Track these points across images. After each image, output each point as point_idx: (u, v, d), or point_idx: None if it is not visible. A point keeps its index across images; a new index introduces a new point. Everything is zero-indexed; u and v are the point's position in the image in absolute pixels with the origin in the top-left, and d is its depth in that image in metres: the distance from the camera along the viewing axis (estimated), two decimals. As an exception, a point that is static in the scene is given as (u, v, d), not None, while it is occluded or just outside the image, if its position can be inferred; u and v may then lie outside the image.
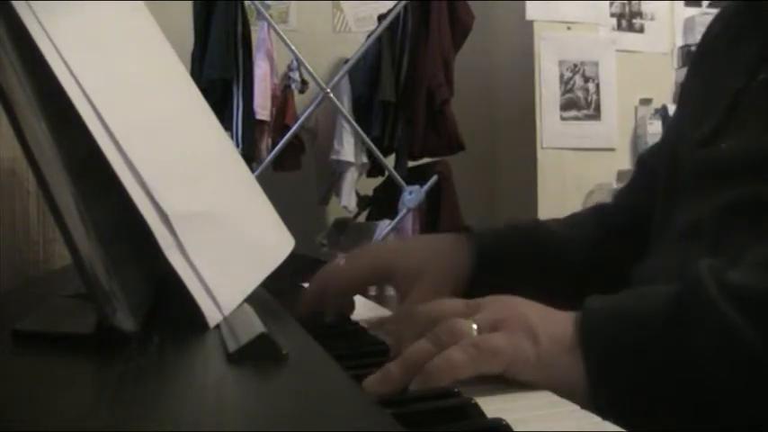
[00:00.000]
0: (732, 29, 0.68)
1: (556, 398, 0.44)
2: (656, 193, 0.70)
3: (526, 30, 3.18)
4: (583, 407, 0.41)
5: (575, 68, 3.22)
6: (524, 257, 0.72)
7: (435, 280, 0.67)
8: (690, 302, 0.43)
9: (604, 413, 0.40)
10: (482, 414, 0.38)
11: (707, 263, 0.45)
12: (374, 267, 0.70)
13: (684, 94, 0.76)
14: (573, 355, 0.45)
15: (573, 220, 0.80)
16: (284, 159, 2.82)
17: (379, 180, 3.07)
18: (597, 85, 3.24)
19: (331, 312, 0.67)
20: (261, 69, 2.71)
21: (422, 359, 0.44)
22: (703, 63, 0.72)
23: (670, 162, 0.69)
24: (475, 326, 0.46)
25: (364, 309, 0.71)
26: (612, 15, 3.31)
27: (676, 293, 0.45)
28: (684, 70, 3.17)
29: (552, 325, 0.46)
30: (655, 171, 0.73)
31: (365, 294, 0.75)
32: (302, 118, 2.71)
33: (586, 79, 3.23)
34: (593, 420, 0.39)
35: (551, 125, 3.19)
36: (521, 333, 0.46)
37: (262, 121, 2.70)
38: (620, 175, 3.22)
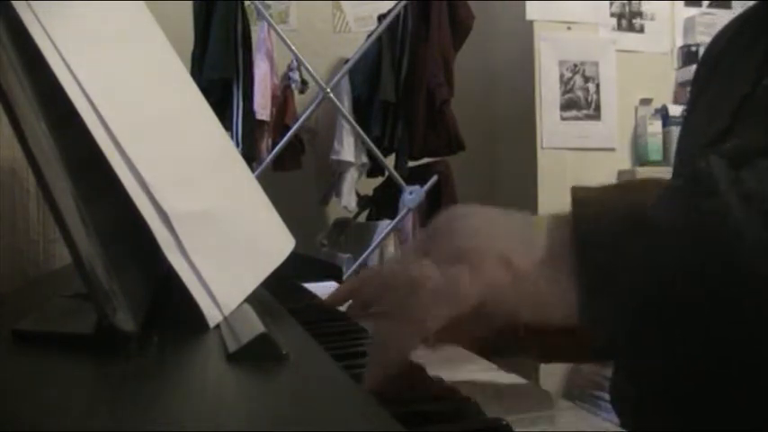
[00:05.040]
0: (740, 39, 0.68)
1: (556, 398, 0.44)
2: None
3: (526, 30, 3.18)
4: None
5: (575, 68, 3.22)
6: None
7: None
8: (706, 210, 0.38)
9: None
10: (482, 414, 0.38)
11: (721, 165, 0.40)
12: None
13: (691, 108, 0.76)
14: (555, 269, 0.41)
15: None
16: (284, 159, 2.81)
17: (379, 180, 3.06)
18: (597, 85, 3.24)
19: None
20: (261, 69, 2.70)
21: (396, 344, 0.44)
22: (711, 75, 0.72)
23: (677, 169, 0.69)
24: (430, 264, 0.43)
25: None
26: (612, 15, 3.31)
27: (689, 197, 0.39)
28: (684, 70, 3.17)
29: (525, 244, 0.43)
30: None
31: None
32: (302, 118, 2.71)
33: (586, 79, 3.23)
34: (594, 420, 0.39)
35: (551, 125, 3.19)
36: (489, 262, 0.42)
37: (262, 121, 2.70)
38: (621, 174, 3.22)
